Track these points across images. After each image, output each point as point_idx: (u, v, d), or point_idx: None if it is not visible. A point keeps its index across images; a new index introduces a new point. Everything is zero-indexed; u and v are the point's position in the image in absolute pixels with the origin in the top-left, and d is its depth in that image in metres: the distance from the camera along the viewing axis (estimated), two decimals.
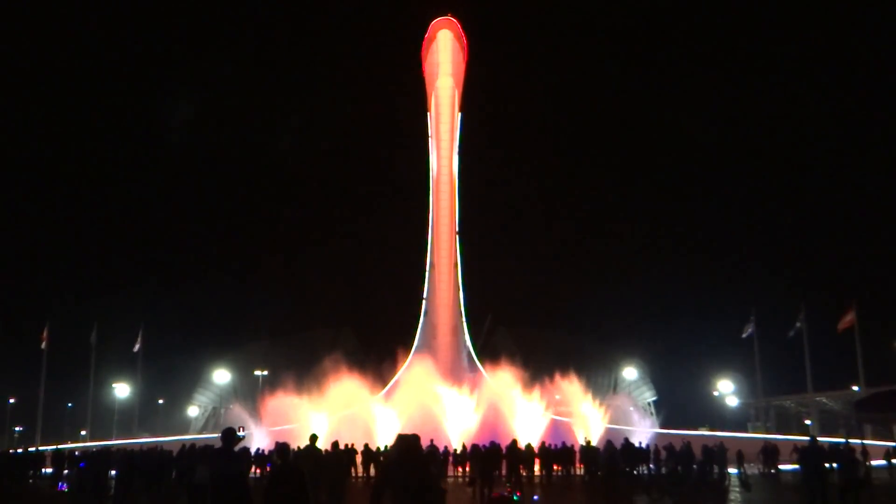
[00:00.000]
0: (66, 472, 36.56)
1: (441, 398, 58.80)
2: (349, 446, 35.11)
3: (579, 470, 38.94)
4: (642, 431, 53.71)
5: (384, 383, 65.42)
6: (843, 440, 35.25)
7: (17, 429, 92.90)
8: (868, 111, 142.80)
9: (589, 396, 63.75)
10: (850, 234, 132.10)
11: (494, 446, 31.13)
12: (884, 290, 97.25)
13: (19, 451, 44.23)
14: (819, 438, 28.29)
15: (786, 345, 63.05)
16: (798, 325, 59.78)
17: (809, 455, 21.81)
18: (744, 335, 65.47)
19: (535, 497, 27.08)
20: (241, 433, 12.94)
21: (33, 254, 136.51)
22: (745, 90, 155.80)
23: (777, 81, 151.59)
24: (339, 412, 60.83)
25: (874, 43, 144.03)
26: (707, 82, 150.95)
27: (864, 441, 35.70)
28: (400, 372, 66.08)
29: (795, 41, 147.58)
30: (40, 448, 48.05)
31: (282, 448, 12.57)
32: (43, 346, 63.63)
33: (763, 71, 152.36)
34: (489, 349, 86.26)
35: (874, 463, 36.97)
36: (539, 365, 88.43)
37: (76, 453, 39.23)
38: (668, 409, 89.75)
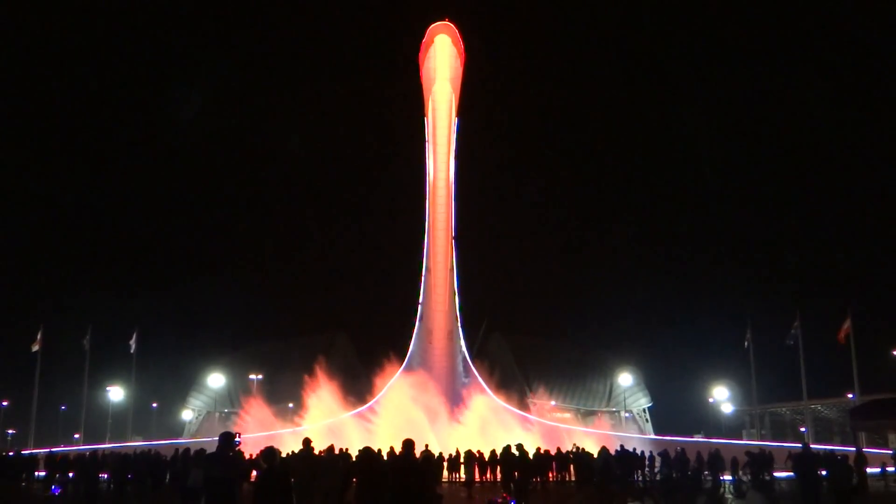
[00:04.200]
0: (58, 475, 36.43)
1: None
2: (343, 451, 34.99)
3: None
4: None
5: (378, 389, 65.28)
6: (853, 448, 35.32)
7: (10, 431, 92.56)
8: (865, 120, 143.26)
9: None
10: (846, 242, 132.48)
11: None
12: (879, 298, 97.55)
13: (11, 453, 44.00)
14: (812, 445, 28.29)
15: (781, 352, 63.03)
16: (794, 332, 59.74)
17: (803, 462, 21.84)
18: (745, 344, 65.30)
19: (513, 502, 27.05)
20: (237, 439, 12.84)
21: (28, 256, 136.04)
22: (741, 98, 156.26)
23: (773, 90, 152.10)
24: (329, 419, 60.76)
25: (872, 50, 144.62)
26: (702, 94, 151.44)
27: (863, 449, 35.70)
28: (393, 379, 65.78)
29: (791, 51, 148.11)
30: (33, 451, 47.81)
31: (269, 453, 12.44)
32: (37, 348, 63.34)
33: (760, 79, 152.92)
34: (484, 355, 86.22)
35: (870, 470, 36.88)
36: (534, 371, 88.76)
37: (69, 457, 39.08)
38: (664, 416, 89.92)
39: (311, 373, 69.11)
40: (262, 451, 12.74)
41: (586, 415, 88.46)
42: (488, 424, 58.28)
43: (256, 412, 68.39)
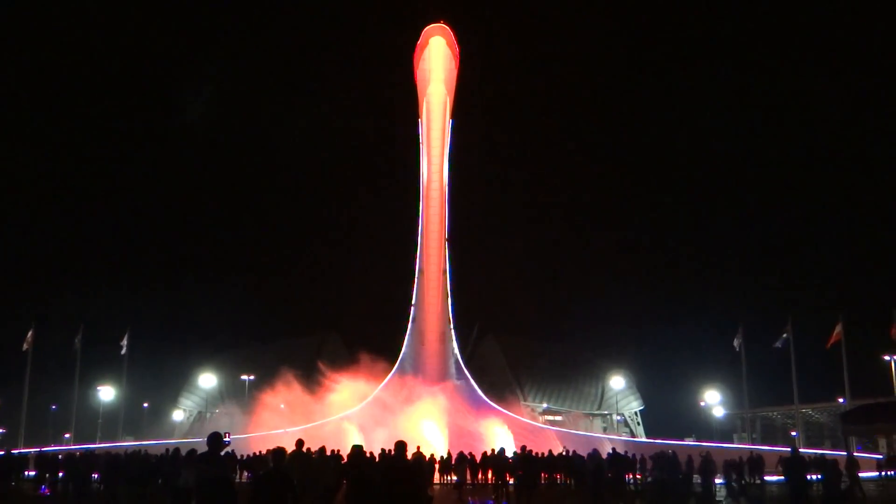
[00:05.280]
0: (47, 475, 36.25)
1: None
2: (335, 452, 34.95)
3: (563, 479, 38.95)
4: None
5: (369, 391, 65.11)
6: (843, 452, 35.40)
7: None
8: (858, 127, 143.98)
9: None
10: (838, 246, 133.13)
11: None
12: (870, 302, 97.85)
13: (1, 453, 43.80)
14: (802, 450, 28.37)
15: (773, 356, 63.16)
16: (785, 335, 59.89)
17: (792, 466, 21.92)
18: (736, 347, 65.32)
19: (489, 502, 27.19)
20: (226, 439, 12.85)
21: (20, 254, 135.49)
22: (736, 102, 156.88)
23: (768, 94, 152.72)
24: (320, 420, 60.66)
25: (872, 54, 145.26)
26: (696, 99, 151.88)
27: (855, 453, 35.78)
28: (384, 383, 65.59)
29: (786, 56, 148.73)
30: (23, 451, 47.56)
31: (277, 452, 12.57)
32: (27, 347, 63.01)
33: (755, 83, 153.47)
34: (477, 357, 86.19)
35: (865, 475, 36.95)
36: (526, 373, 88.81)
37: (59, 457, 38.91)
38: (655, 419, 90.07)
39: (303, 374, 68.99)
40: (270, 451, 12.83)
41: (577, 418, 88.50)
42: (478, 425, 58.34)
43: (247, 412, 68.25)
